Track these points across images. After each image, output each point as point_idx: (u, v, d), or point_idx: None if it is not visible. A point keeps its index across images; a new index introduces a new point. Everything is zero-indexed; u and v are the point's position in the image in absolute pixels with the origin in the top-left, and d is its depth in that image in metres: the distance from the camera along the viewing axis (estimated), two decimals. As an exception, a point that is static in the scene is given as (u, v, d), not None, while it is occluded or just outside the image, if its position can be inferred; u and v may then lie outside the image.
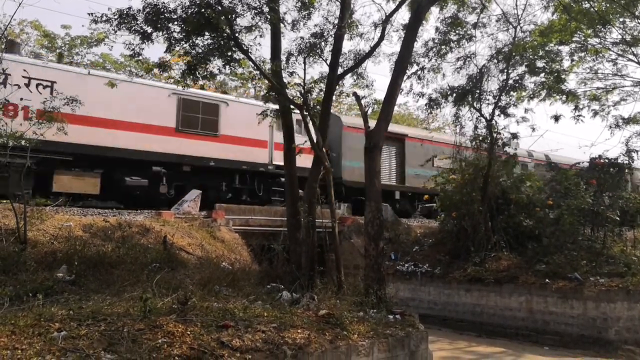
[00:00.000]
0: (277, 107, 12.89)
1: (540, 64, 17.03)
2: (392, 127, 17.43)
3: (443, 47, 16.68)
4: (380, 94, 13.07)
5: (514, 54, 16.50)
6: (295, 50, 12.01)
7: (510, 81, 17.08)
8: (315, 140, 11.26)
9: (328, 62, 12.11)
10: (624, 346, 12.19)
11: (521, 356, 11.77)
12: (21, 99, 13.17)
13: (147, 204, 15.74)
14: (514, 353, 12.07)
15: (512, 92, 17.46)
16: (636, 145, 17.31)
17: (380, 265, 10.10)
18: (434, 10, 15.99)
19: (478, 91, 16.98)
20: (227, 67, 11.40)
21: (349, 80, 14.04)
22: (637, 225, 16.63)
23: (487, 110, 17.16)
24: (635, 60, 19.42)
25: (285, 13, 12.31)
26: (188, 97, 17.26)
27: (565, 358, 11.70)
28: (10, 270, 8.39)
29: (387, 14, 12.87)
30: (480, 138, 17.27)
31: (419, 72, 16.06)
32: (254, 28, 10.97)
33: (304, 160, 13.37)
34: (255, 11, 10.92)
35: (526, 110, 17.76)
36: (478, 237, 16.00)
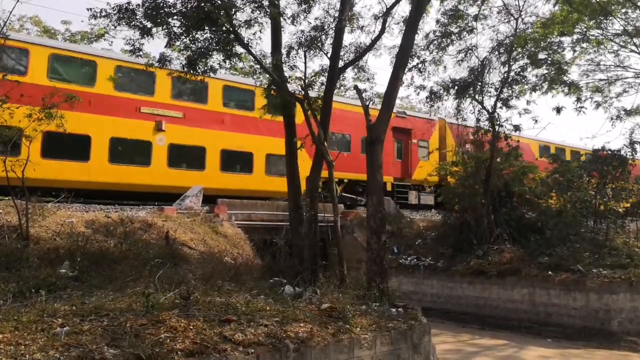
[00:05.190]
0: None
1: (542, 55, 16.96)
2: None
3: (444, 39, 16.64)
4: (381, 87, 13.08)
5: (515, 45, 16.42)
6: (296, 44, 11.98)
7: (512, 73, 17.02)
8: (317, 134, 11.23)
9: (329, 55, 12.07)
10: (626, 337, 12.21)
11: (524, 348, 11.77)
12: None
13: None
14: (516, 345, 12.07)
15: (514, 85, 17.41)
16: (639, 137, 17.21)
17: (382, 259, 10.08)
18: (435, 2, 15.96)
19: (480, 84, 16.92)
20: (228, 61, 11.36)
21: (350, 73, 14.04)
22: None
23: (489, 102, 17.17)
24: (637, 51, 19.34)
25: (285, 7, 12.28)
26: None
27: (568, 350, 11.70)
28: (13, 267, 8.38)
29: (388, 7, 12.84)
30: (483, 130, 17.23)
31: (420, 65, 16.02)
32: (253, 22, 10.92)
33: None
34: (255, 5, 10.88)
35: (528, 102, 17.74)
36: (481, 230, 15.99)
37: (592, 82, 21.39)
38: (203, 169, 17.46)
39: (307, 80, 11.78)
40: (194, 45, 11.04)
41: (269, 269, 11.08)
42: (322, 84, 12.61)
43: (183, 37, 10.90)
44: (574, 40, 18.78)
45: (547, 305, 13.51)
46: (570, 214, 15.14)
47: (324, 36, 12.19)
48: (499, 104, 16.86)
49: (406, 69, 13.32)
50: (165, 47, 11.09)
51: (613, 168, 15.73)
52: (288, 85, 11.94)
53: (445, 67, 17.23)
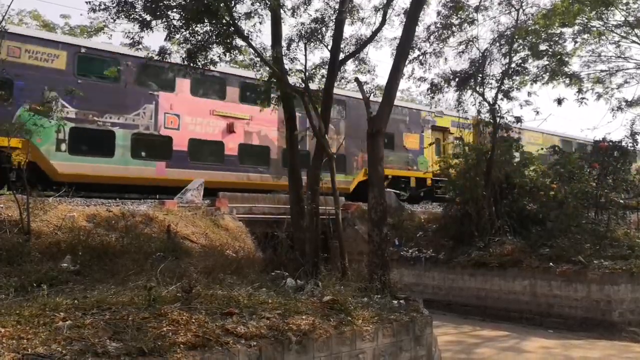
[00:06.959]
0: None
1: (543, 47, 16.89)
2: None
3: (445, 31, 16.54)
4: (382, 79, 13.00)
5: (516, 37, 16.35)
6: (296, 36, 11.91)
7: (513, 65, 16.94)
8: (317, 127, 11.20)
9: (329, 47, 12.01)
10: (627, 328, 12.24)
11: (525, 339, 11.80)
12: None
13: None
14: (518, 336, 12.10)
15: (515, 76, 17.34)
16: (640, 128, 17.14)
17: (384, 251, 10.08)
18: (436, -6, 15.83)
19: (481, 75, 16.86)
20: (228, 54, 11.31)
21: (350, 65, 13.97)
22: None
23: (490, 94, 17.08)
24: (639, 42, 19.27)
25: (285, -2, 12.19)
26: None
27: (569, 340, 11.72)
28: (15, 261, 8.40)
29: (388, -2, 12.74)
30: (484, 122, 17.20)
31: (420, 57, 15.93)
32: (253, 14, 10.86)
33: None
34: (255, -3, 10.82)
35: (529, 94, 17.63)
36: (482, 221, 15.96)
37: (593, 73, 21.34)
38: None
39: (307, 73, 11.74)
40: (193, 38, 10.99)
41: (270, 262, 11.07)
42: (323, 76, 12.57)
43: (183, 30, 10.85)
44: (575, 32, 18.72)
45: (549, 296, 13.52)
46: (571, 206, 15.13)
47: (324, 28, 12.13)
48: (500, 96, 16.80)
49: (407, 61, 13.26)
50: (165, 40, 11.05)
51: (614, 159, 15.69)
52: (288, 78, 11.90)
53: (446, 58, 17.12)
